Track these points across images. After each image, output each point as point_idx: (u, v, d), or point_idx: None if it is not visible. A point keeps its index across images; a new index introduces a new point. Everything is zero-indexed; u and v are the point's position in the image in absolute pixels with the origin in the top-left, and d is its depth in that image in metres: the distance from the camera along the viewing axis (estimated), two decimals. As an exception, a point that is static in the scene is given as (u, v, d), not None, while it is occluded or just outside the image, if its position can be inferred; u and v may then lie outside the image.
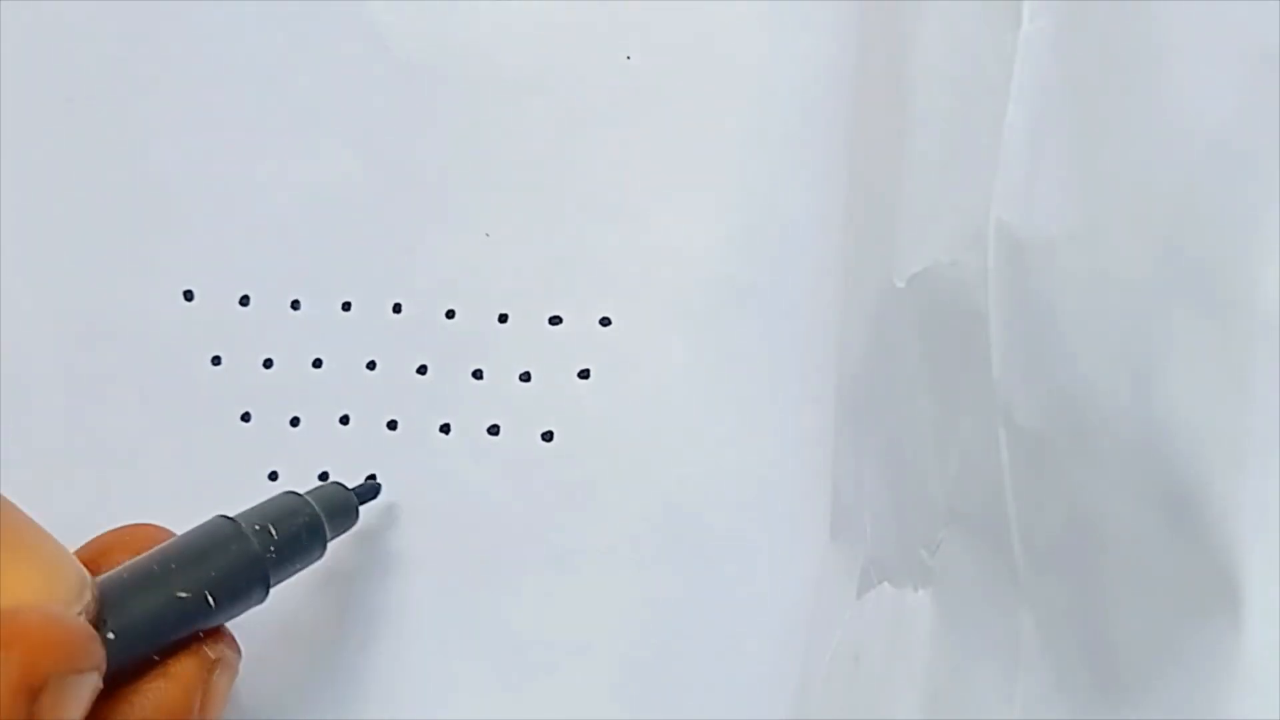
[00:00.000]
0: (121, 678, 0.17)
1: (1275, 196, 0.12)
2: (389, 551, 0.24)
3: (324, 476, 0.24)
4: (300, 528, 0.20)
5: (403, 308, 0.25)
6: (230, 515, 0.20)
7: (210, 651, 0.18)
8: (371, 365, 0.24)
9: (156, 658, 0.17)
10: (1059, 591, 0.14)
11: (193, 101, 0.25)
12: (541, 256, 0.24)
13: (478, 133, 0.25)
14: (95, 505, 0.24)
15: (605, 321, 0.24)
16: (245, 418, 0.24)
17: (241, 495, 0.24)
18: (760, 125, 0.24)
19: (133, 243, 0.25)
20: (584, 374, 0.24)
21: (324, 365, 0.25)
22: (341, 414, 0.24)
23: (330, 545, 0.22)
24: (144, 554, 0.18)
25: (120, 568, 0.18)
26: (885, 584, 0.19)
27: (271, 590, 0.20)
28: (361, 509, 0.23)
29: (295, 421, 0.24)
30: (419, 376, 0.24)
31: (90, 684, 0.15)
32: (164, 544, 0.19)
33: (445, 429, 0.24)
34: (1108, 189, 0.14)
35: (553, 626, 0.23)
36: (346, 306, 0.25)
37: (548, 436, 0.24)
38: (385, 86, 0.25)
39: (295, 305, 0.25)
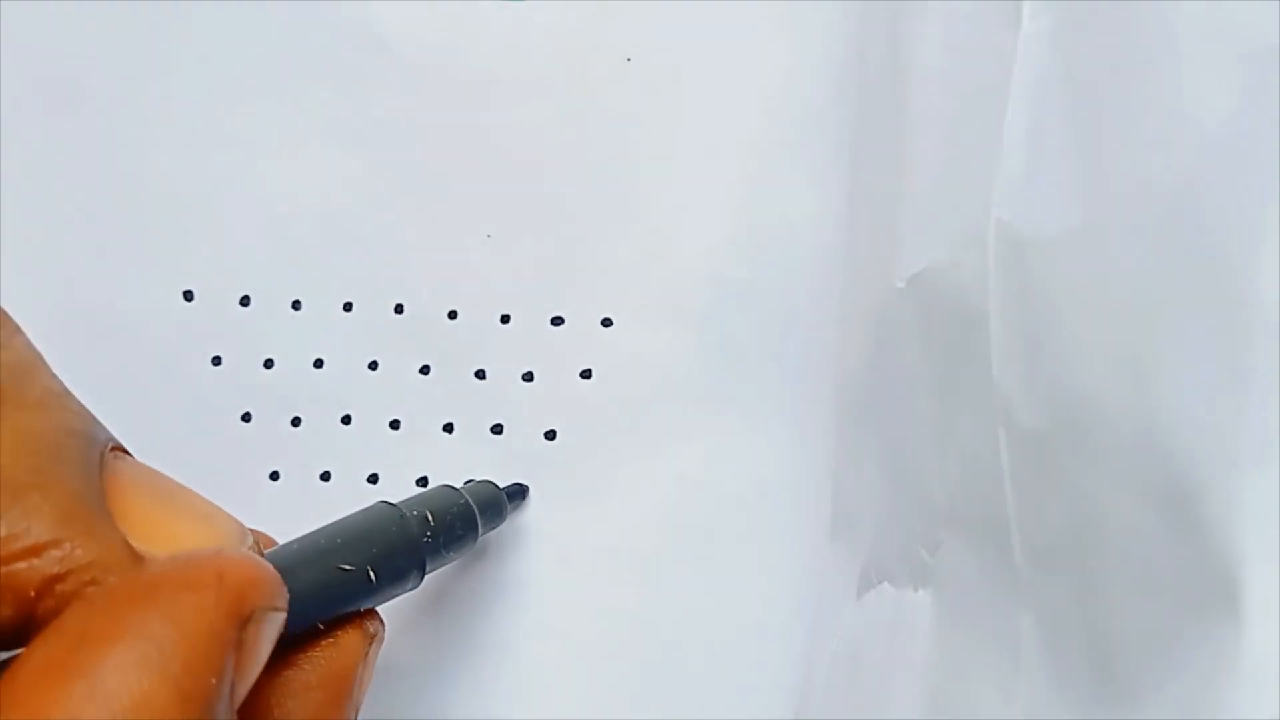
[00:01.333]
0: (289, 643, 0.17)
1: (1275, 196, 0.12)
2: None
3: (325, 476, 0.24)
4: (456, 517, 0.21)
5: (404, 308, 0.25)
6: (392, 501, 0.20)
7: (370, 626, 0.18)
8: (373, 365, 0.24)
9: (321, 626, 0.18)
10: (1059, 591, 0.14)
11: (193, 102, 0.25)
12: (543, 257, 0.24)
13: (479, 133, 0.25)
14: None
15: (607, 322, 0.24)
16: (246, 418, 0.24)
17: (242, 495, 0.24)
18: (760, 125, 0.24)
19: (133, 243, 0.25)
20: (586, 374, 0.24)
21: (325, 365, 0.25)
22: (343, 414, 0.24)
23: None
24: (310, 533, 0.19)
25: (289, 541, 0.18)
26: (885, 584, 0.19)
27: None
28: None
29: (296, 422, 0.24)
30: (421, 376, 0.24)
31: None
32: (329, 523, 0.19)
33: (448, 428, 0.24)
34: (1108, 189, 0.14)
35: (552, 626, 0.23)
36: (348, 306, 0.25)
37: (550, 436, 0.24)
38: (386, 87, 0.25)
39: (296, 305, 0.25)
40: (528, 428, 0.24)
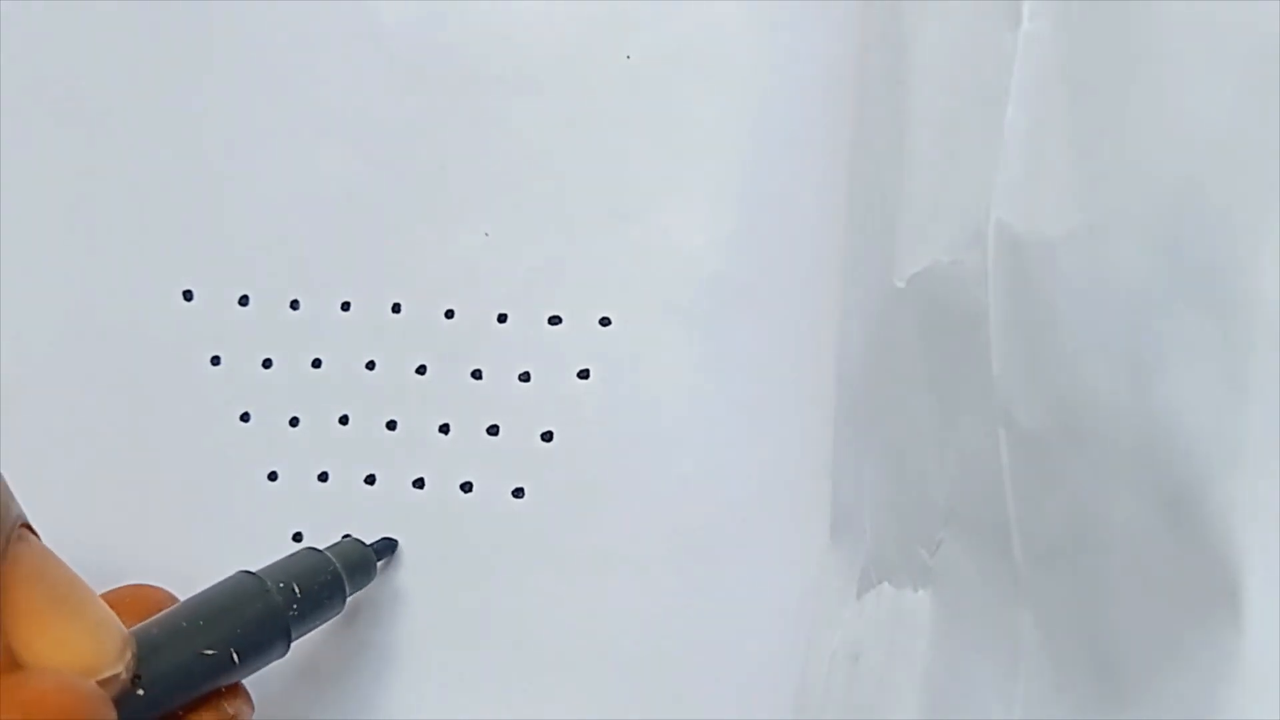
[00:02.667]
0: None
1: (1275, 196, 0.12)
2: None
3: (323, 477, 0.24)
4: (322, 586, 0.21)
5: (402, 308, 0.24)
6: (254, 571, 0.20)
7: (229, 707, 0.18)
8: (370, 365, 0.24)
9: (180, 713, 0.18)
10: (1059, 591, 0.14)
11: (192, 102, 0.25)
12: (541, 256, 0.24)
13: (477, 132, 0.25)
14: (95, 505, 0.24)
15: (605, 321, 0.24)
16: (244, 418, 0.24)
17: (240, 496, 0.24)
18: (760, 125, 0.24)
19: (132, 243, 0.25)
20: (583, 374, 0.24)
21: (323, 365, 0.24)
22: (341, 414, 0.24)
23: (324, 543, 0.22)
24: (171, 609, 0.19)
25: (150, 622, 0.18)
26: (885, 584, 0.19)
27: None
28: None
29: (294, 421, 0.24)
30: (418, 376, 0.24)
31: None
32: (190, 600, 0.19)
33: (444, 429, 0.24)
34: (1108, 189, 0.14)
35: (552, 627, 0.23)
36: (346, 306, 0.25)
37: (547, 436, 0.24)
38: (385, 86, 0.25)
39: (294, 305, 0.25)
40: (524, 428, 0.24)
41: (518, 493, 0.24)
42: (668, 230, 0.24)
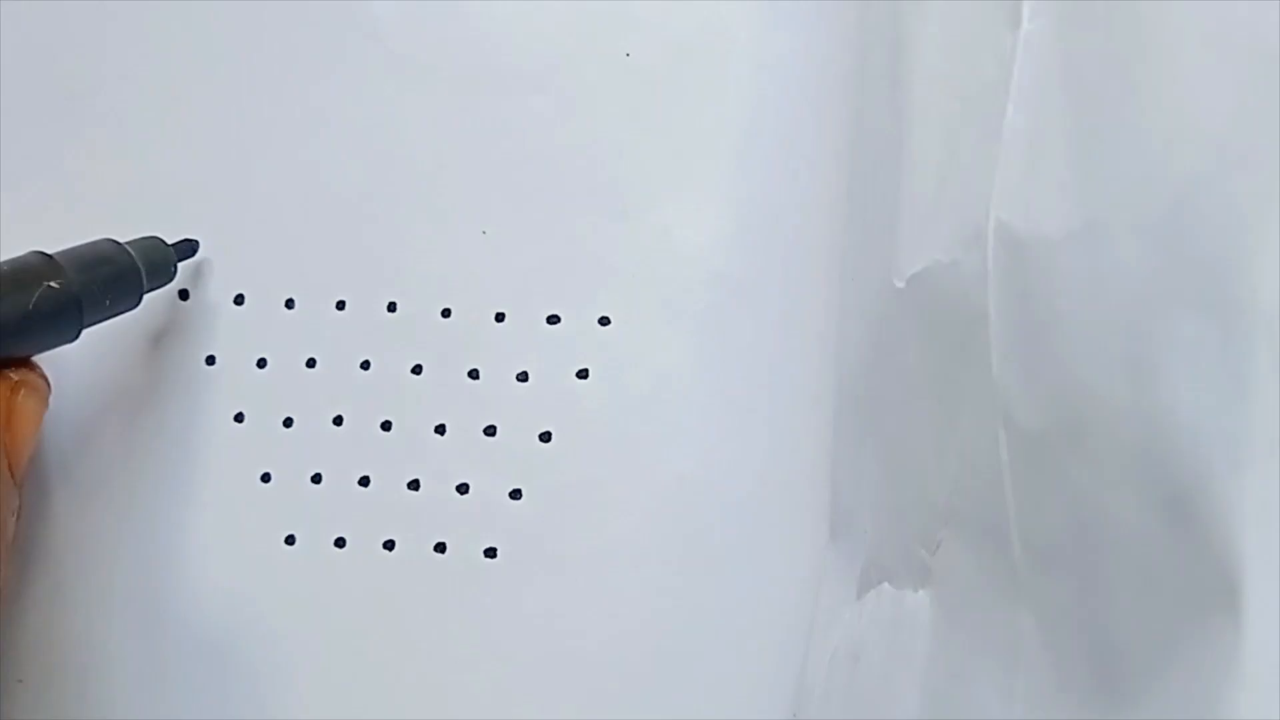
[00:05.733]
0: None
1: (1275, 196, 0.12)
2: (384, 552, 0.24)
3: (316, 479, 0.24)
4: (117, 273, 0.21)
5: (398, 306, 0.24)
6: (47, 252, 0.20)
7: (14, 374, 0.18)
8: (365, 365, 0.24)
9: None
10: (1059, 591, 0.14)
11: (188, 99, 0.25)
12: (539, 255, 0.24)
13: (475, 129, 0.25)
14: (87, 504, 0.24)
15: (604, 321, 0.24)
16: (239, 418, 0.24)
17: (233, 497, 0.24)
18: (760, 124, 0.24)
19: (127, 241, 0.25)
20: (582, 374, 0.24)
21: (318, 365, 0.24)
22: (335, 414, 0.24)
23: (317, 547, 0.22)
24: None
25: None
26: (885, 584, 0.19)
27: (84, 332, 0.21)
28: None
29: (288, 422, 0.24)
30: (414, 376, 0.24)
31: None
32: None
33: (440, 430, 0.24)
34: (1108, 189, 0.14)
35: (551, 628, 0.23)
36: (341, 305, 0.25)
37: (545, 437, 0.24)
38: (381, 83, 0.25)
39: (289, 304, 0.25)
40: (522, 429, 0.24)
41: (515, 494, 0.23)
42: (667, 229, 0.24)
